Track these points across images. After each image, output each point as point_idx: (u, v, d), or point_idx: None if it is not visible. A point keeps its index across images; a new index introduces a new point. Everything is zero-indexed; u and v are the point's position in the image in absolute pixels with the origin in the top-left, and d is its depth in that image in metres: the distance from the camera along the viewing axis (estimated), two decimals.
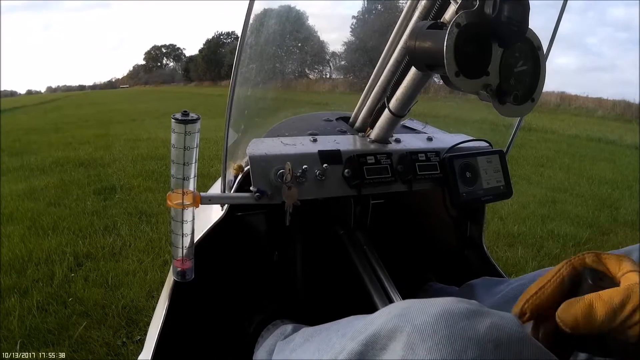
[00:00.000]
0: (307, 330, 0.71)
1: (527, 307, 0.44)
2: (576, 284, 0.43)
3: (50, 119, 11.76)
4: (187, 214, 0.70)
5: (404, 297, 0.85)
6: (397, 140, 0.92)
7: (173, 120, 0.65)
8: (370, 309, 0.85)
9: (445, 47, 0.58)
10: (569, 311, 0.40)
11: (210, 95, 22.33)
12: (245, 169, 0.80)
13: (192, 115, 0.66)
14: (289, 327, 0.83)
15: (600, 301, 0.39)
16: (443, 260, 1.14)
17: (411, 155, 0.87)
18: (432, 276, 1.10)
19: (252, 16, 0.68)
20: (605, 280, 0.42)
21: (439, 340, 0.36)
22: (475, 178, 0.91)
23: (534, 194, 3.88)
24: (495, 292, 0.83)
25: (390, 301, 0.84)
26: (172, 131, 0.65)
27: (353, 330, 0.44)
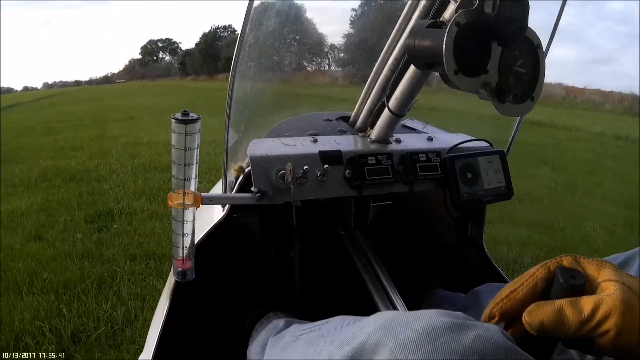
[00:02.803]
0: (297, 328, 0.72)
1: (496, 310, 0.43)
2: (549, 286, 0.42)
3: (44, 117, 11.00)
4: (188, 214, 0.70)
5: (403, 297, 0.85)
6: (398, 140, 0.92)
7: (173, 120, 0.65)
8: (370, 307, 0.86)
9: (444, 46, 0.58)
10: (536, 314, 0.40)
11: (209, 89, 21.31)
12: (246, 169, 0.80)
13: (193, 115, 0.66)
14: (281, 321, 0.83)
15: (570, 307, 0.39)
16: (443, 261, 1.14)
17: (412, 156, 0.87)
18: (431, 276, 1.10)
19: (251, 14, 0.68)
20: (577, 278, 0.41)
21: (422, 355, 0.36)
22: (476, 179, 0.91)
23: (608, 212, 3.48)
24: None
25: (390, 300, 0.85)
26: (172, 131, 0.66)
27: (341, 338, 0.44)
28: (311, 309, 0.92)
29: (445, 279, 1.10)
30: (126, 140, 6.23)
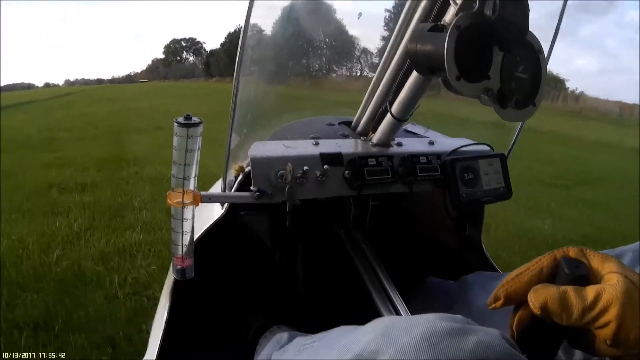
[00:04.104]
0: (300, 341, 0.72)
1: (501, 293, 0.44)
2: (555, 275, 0.43)
3: (51, 121, 8.86)
4: (187, 212, 0.72)
5: (403, 297, 0.85)
6: (399, 144, 0.92)
7: (175, 124, 0.67)
8: (371, 309, 0.85)
9: (445, 50, 0.58)
10: (541, 293, 0.40)
11: None
12: (246, 169, 0.81)
13: (195, 119, 0.68)
14: (284, 335, 0.83)
15: (574, 293, 0.39)
16: (442, 260, 1.14)
17: (412, 158, 0.88)
18: (429, 276, 1.10)
19: (251, 17, 0.69)
20: (581, 268, 0.42)
21: None
22: (476, 180, 0.91)
23: None
24: (490, 287, 0.83)
25: (390, 301, 0.84)
26: (174, 134, 0.68)
27: (339, 346, 0.44)
28: (313, 313, 0.92)
29: (443, 279, 1.10)
30: (155, 172, 3.83)
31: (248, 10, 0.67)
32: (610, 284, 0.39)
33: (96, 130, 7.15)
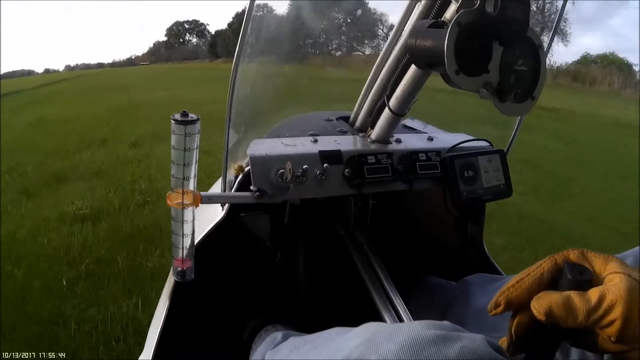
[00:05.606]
0: (294, 341, 0.72)
1: (502, 299, 0.43)
2: (556, 279, 0.43)
3: (18, 128, 5.81)
4: (188, 214, 0.71)
5: (403, 297, 0.85)
6: (398, 140, 0.92)
7: (173, 121, 0.65)
8: (370, 308, 0.86)
9: (445, 46, 0.58)
10: (545, 300, 0.40)
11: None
12: (246, 169, 0.80)
13: (192, 116, 0.66)
14: (279, 334, 0.83)
15: (578, 297, 0.39)
16: (443, 259, 1.15)
17: (412, 155, 0.87)
18: (431, 274, 1.10)
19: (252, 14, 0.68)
20: (585, 274, 0.41)
21: None
22: (476, 177, 0.91)
23: None
24: (491, 289, 0.84)
25: (389, 300, 0.85)
26: (172, 132, 0.66)
27: (327, 351, 0.45)
28: (311, 312, 0.93)
29: (444, 277, 1.10)
30: None
31: (249, 9, 0.66)
32: (613, 284, 0.39)
33: (70, 159, 3.57)
